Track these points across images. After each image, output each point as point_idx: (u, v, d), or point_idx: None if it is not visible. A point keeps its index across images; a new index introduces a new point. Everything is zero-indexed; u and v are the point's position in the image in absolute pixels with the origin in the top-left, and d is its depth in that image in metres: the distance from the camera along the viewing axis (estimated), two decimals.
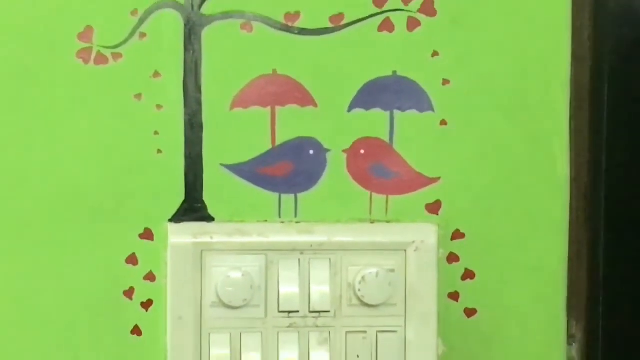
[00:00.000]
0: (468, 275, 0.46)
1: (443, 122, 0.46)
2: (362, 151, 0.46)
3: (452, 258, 0.46)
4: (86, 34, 0.43)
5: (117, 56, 0.44)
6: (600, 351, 0.47)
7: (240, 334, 0.44)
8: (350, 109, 0.45)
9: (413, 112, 0.45)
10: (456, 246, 0.46)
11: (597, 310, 0.47)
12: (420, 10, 0.45)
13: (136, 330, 0.45)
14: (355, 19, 0.45)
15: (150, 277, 0.44)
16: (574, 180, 0.47)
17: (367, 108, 0.45)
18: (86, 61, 0.43)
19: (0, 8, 0.43)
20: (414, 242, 0.45)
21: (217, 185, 0.45)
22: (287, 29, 0.45)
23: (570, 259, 0.47)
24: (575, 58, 0.46)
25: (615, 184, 0.47)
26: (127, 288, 0.44)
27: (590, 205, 0.47)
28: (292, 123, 0.45)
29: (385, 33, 0.45)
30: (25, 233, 0.44)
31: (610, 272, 0.47)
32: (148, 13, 0.44)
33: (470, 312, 0.46)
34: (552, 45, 0.46)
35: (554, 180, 0.47)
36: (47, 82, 0.44)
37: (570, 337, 0.47)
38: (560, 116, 0.46)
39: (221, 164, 0.45)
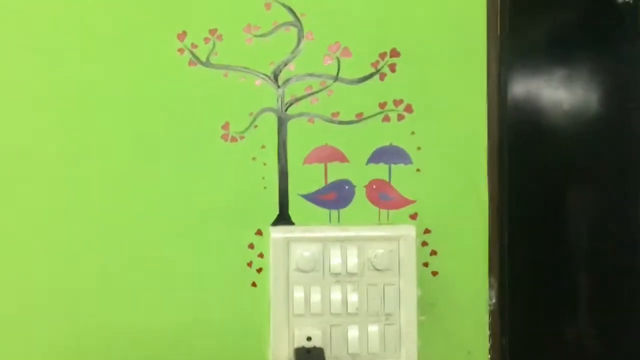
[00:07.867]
0: (433, 253, 0.84)
1: (418, 170, 0.83)
2: (374, 186, 0.83)
3: (424, 244, 0.83)
4: (226, 126, 0.81)
5: (242, 137, 0.81)
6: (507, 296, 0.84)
7: (310, 286, 0.82)
8: (367, 163, 0.83)
9: (401, 165, 0.83)
10: (426, 237, 0.83)
11: (505, 270, 0.84)
12: (404, 110, 0.83)
13: (254, 284, 0.82)
14: (369, 115, 0.83)
15: (261, 255, 0.82)
16: (490, 200, 0.85)
17: (376, 162, 0.83)
18: (226, 140, 0.81)
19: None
20: (402, 235, 0.82)
21: (296, 205, 0.82)
22: (332, 121, 0.82)
23: (490, 243, 0.85)
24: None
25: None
26: (248, 261, 0.82)
27: (499, 214, 0.85)
28: (336, 171, 0.83)
29: (385, 122, 0.83)
30: (194, 231, 0.81)
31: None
32: (258, 114, 0.82)
33: (434, 273, 0.84)
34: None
35: (478, 202, 0.84)
36: (203, 152, 0.81)
37: (490, 286, 0.84)
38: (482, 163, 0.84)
39: (298, 194, 0.82)
